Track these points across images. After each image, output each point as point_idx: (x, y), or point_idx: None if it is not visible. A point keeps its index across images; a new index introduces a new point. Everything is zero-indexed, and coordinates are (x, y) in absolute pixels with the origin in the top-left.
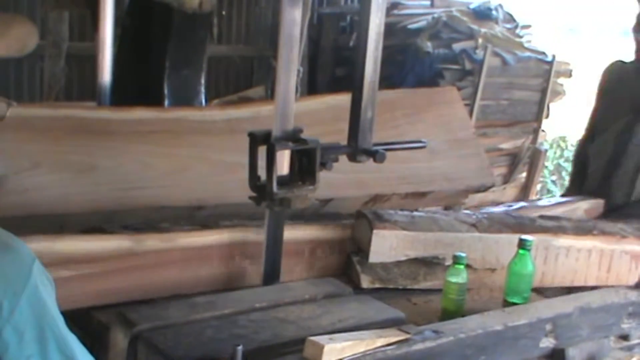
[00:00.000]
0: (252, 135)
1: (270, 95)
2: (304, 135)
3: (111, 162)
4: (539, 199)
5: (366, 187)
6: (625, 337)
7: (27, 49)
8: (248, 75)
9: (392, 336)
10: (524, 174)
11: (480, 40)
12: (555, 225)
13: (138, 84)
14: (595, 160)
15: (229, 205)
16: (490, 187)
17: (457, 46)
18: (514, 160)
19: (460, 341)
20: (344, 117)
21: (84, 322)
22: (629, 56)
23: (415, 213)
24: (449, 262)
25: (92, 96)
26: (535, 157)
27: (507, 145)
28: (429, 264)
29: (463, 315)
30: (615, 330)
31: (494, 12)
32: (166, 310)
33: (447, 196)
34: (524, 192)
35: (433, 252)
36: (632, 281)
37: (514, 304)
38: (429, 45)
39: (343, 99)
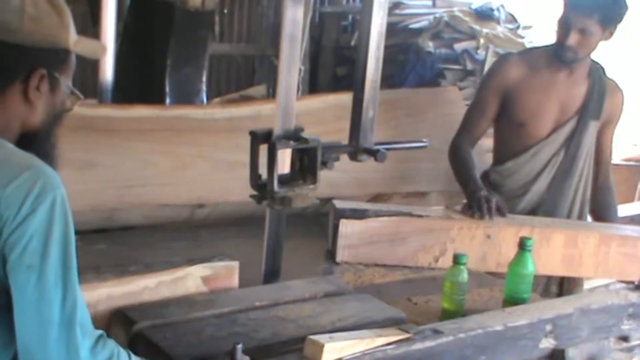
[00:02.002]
0: (253, 134)
1: (271, 94)
2: (305, 134)
3: (112, 159)
4: None
5: (367, 186)
6: (625, 339)
7: (96, 55)
8: (249, 74)
9: (392, 335)
10: None
11: (481, 41)
12: None
13: (139, 81)
14: (536, 170)
15: (229, 204)
16: None
17: (458, 46)
18: None
19: (460, 341)
20: (345, 116)
21: None
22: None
23: None
24: None
25: (93, 94)
26: None
27: None
28: None
29: (463, 315)
30: (615, 331)
31: (495, 13)
32: (166, 308)
33: (447, 196)
34: None
35: None
36: None
37: (514, 304)
38: (430, 45)
39: (344, 98)
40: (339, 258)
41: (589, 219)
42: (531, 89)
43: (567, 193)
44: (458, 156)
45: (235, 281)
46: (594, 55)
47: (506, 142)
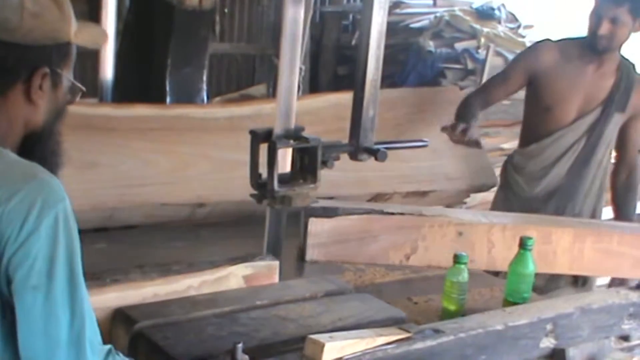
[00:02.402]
0: (253, 133)
1: (272, 93)
2: (305, 134)
3: (112, 159)
4: None
5: (367, 185)
6: (625, 338)
7: (98, 45)
8: (250, 73)
9: (393, 335)
10: None
11: (482, 40)
12: None
13: (140, 81)
14: (555, 157)
15: (230, 203)
16: (491, 187)
17: (459, 45)
18: None
19: (461, 340)
20: (345, 115)
21: None
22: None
23: None
24: None
25: (94, 93)
26: None
27: (508, 145)
28: None
29: (463, 315)
30: (616, 330)
31: (496, 12)
32: (167, 307)
33: (448, 195)
34: (494, 203)
35: None
36: None
37: (515, 303)
38: (431, 45)
39: (345, 98)
40: (308, 257)
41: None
42: (560, 76)
43: (585, 179)
44: (464, 103)
45: (275, 280)
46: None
47: (532, 126)
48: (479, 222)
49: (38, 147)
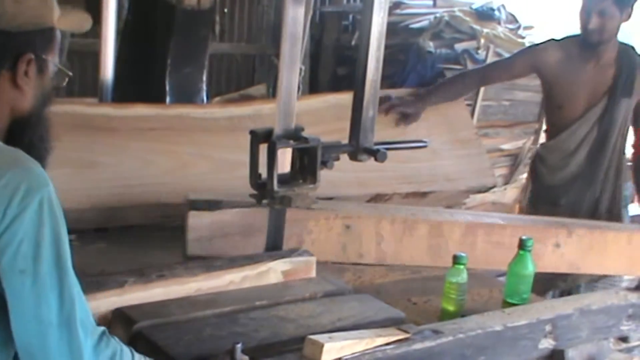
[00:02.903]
0: (253, 133)
1: (271, 94)
2: (305, 134)
3: (112, 158)
4: None
5: (367, 186)
6: (624, 339)
7: (83, 29)
8: (250, 73)
9: (392, 335)
10: (525, 175)
11: (482, 41)
12: None
13: (139, 81)
14: (572, 148)
15: None
16: (491, 188)
17: (459, 46)
18: (515, 161)
19: (460, 341)
20: (345, 116)
21: None
22: None
23: None
24: None
25: (94, 92)
26: None
27: (508, 146)
28: None
29: (463, 316)
30: (614, 332)
31: (496, 13)
32: (166, 307)
33: (448, 196)
34: (524, 193)
35: None
36: None
37: (514, 304)
38: (431, 45)
39: (345, 98)
40: (189, 251)
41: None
42: (565, 74)
43: (601, 165)
44: (448, 79)
45: (312, 275)
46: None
47: (550, 122)
48: (367, 214)
49: (26, 133)
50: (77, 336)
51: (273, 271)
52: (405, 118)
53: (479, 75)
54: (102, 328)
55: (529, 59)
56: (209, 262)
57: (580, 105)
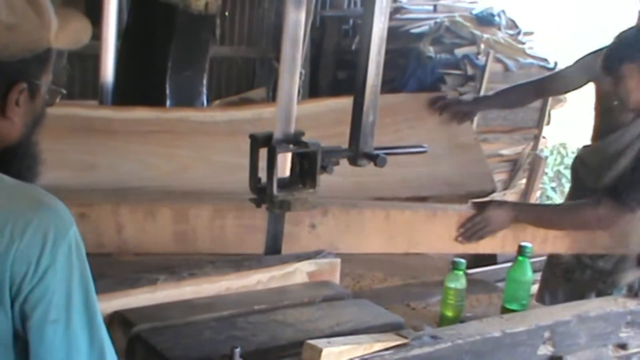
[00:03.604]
0: (253, 137)
1: (272, 97)
2: (305, 138)
3: (112, 161)
4: None
5: (366, 191)
6: (623, 346)
7: (82, 43)
8: (250, 77)
9: (390, 341)
10: (524, 181)
11: (482, 46)
12: None
13: (140, 83)
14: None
15: None
16: (490, 193)
17: (459, 51)
18: (514, 166)
19: (458, 347)
20: (345, 120)
21: None
22: None
23: None
24: None
25: (94, 95)
26: (535, 164)
27: (507, 152)
28: None
29: (461, 321)
30: (613, 338)
31: (496, 18)
32: (165, 311)
33: (447, 201)
34: (524, 198)
35: None
36: None
37: (513, 310)
38: (431, 50)
39: (345, 102)
40: None
41: None
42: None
43: None
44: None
45: (337, 277)
46: None
47: (596, 125)
48: (103, 201)
49: (14, 163)
50: None
51: (299, 272)
52: (459, 116)
53: (536, 86)
54: None
55: (586, 67)
56: (238, 262)
57: (630, 112)
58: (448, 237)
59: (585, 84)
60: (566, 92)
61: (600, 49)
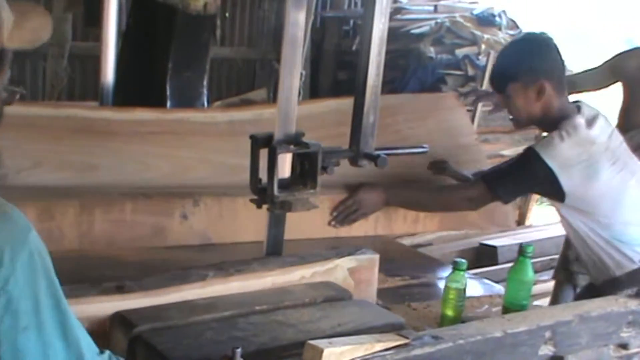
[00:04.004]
0: (253, 138)
1: (272, 98)
2: (305, 139)
3: (112, 162)
4: None
5: None
6: (624, 346)
7: (41, 41)
8: (250, 78)
9: (391, 341)
10: None
11: (483, 46)
12: None
13: (140, 84)
14: None
15: None
16: None
17: (459, 52)
18: None
19: (459, 347)
20: (346, 121)
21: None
22: None
23: None
24: None
25: (94, 96)
26: None
27: (508, 152)
28: None
29: (462, 321)
30: (614, 338)
31: (497, 18)
32: (166, 311)
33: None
34: (524, 199)
35: None
36: None
37: (514, 310)
38: (431, 51)
39: (345, 103)
40: None
41: None
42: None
43: None
44: None
45: (375, 273)
46: None
47: (619, 123)
48: None
49: None
50: None
51: (340, 268)
52: (493, 107)
53: (568, 82)
54: (108, 352)
55: (613, 67)
56: (282, 259)
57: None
58: (322, 223)
59: (612, 81)
60: (594, 89)
61: (629, 50)
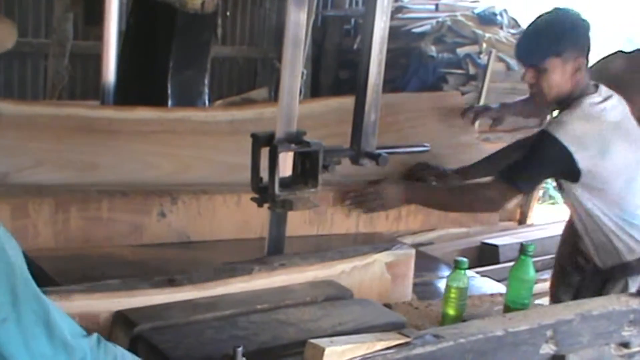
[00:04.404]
0: (255, 137)
1: (273, 97)
2: (307, 138)
3: (113, 161)
4: None
5: None
6: (626, 345)
7: (5, 48)
8: (251, 77)
9: (393, 340)
10: None
11: (484, 45)
12: None
13: (141, 83)
14: None
15: None
16: None
17: (461, 51)
18: None
19: (461, 346)
20: (347, 119)
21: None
22: None
23: None
24: None
25: (95, 95)
26: None
27: None
28: None
29: (464, 320)
30: (616, 337)
31: (498, 17)
32: (167, 310)
33: None
34: (526, 197)
35: None
36: None
37: (515, 309)
38: (433, 50)
39: (346, 102)
40: None
41: None
42: (624, 85)
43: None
44: None
45: (411, 268)
46: None
47: None
48: None
49: None
50: (74, 354)
51: (378, 262)
52: (492, 122)
53: None
54: (95, 335)
55: (598, 70)
56: (322, 254)
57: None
58: (302, 220)
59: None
60: None
61: (612, 54)
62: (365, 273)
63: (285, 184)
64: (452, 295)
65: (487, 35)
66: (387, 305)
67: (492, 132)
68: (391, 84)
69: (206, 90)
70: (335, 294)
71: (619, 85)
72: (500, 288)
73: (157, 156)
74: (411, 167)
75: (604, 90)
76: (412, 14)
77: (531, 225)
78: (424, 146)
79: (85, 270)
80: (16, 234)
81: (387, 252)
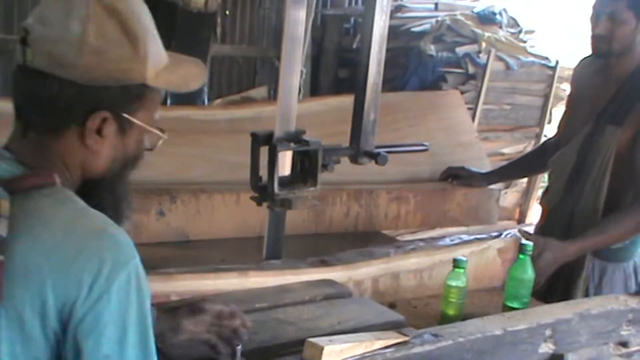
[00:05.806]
0: (254, 136)
1: (272, 96)
2: (306, 137)
3: None
4: None
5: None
6: (624, 344)
7: (188, 88)
8: (251, 76)
9: (391, 339)
10: (525, 179)
11: (483, 45)
12: None
13: None
14: (557, 173)
15: None
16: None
17: (460, 50)
18: None
19: (459, 345)
20: (346, 119)
21: None
22: None
23: None
24: None
25: None
26: None
27: (509, 150)
28: None
29: (462, 319)
30: (614, 336)
31: (498, 17)
32: None
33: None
34: (525, 197)
35: None
36: None
37: (514, 308)
38: (432, 49)
39: (346, 101)
40: None
41: None
42: (578, 90)
43: (579, 197)
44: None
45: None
46: None
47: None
48: None
49: (95, 196)
50: None
51: (492, 248)
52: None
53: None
54: None
55: (571, 83)
56: (442, 241)
57: (577, 127)
58: (300, 219)
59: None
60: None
61: (584, 58)
62: (480, 258)
63: (285, 182)
64: (452, 294)
65: (487, 34)
66: (392, 305)
67: (492, 131)
68: (390, 83)
69: (205, 89)
70: (334, 293)
71: (572, 91)
72: (499, 287)
73: (156, 155)
74: (444, 170)
75: None
76: (411, 13)
77: (530, 224)
78: (423, 145)
79: None
80: None
81: (499, 239)
